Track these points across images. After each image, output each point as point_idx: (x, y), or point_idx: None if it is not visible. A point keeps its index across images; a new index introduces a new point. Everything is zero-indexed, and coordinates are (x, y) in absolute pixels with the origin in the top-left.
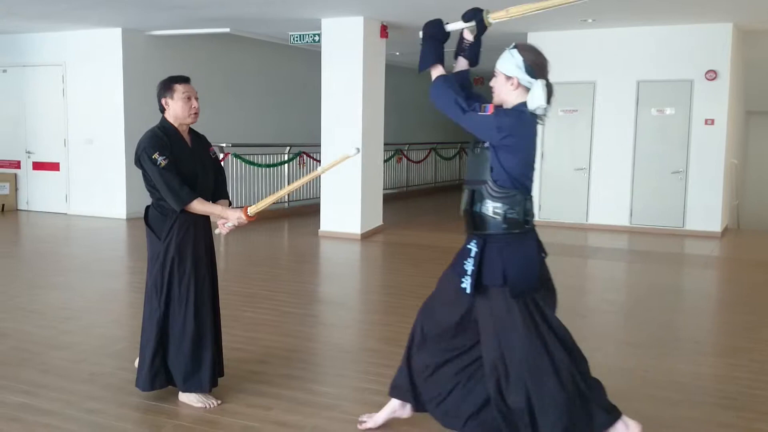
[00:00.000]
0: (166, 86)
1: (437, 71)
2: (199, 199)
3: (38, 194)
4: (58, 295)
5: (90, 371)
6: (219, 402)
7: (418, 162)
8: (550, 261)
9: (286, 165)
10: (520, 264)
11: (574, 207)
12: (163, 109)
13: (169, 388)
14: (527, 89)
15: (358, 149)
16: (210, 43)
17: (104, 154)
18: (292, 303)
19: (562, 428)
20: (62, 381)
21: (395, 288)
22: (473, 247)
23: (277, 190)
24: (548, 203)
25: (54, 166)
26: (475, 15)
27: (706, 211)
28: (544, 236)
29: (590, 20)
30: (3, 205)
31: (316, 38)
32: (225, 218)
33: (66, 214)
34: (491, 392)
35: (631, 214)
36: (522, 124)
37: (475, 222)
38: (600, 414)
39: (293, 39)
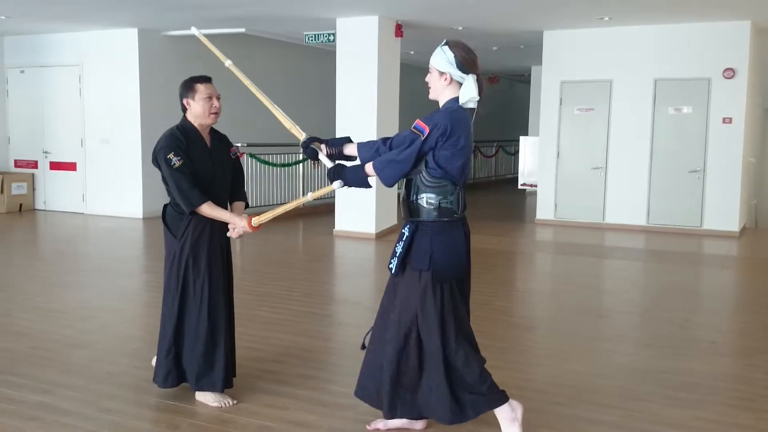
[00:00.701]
0: (188, 86)
1: (369, 169)
2: (209, 203)
3: (55, 194)
4: (76, 294)
5: (107, 370)
6: (235, 401)
7: None
8: (566, 261)
9: (300, 165)
10: (447, 251)
11: (591, 206)
12: (184, 109)
13: (186, 388)
14: (459, 84)
15: (341, 184)
16: (225, 43)
17: (121, 153)
18: (308, 302)
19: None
20: (80, 380)
21: None
22: (405, 231)
23: (293, 189)
24: (564, 203)
25: (71, 166)
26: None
27: (723, 210)
28: (560, 236)
29: (607, 18)
30: (21, 204)
31: (331, 38)
32: (234, 225)
33: (83, 213)
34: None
35: (648, 214)
36: (456, 122)
37: (411, 210)
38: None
39: (308, 39)
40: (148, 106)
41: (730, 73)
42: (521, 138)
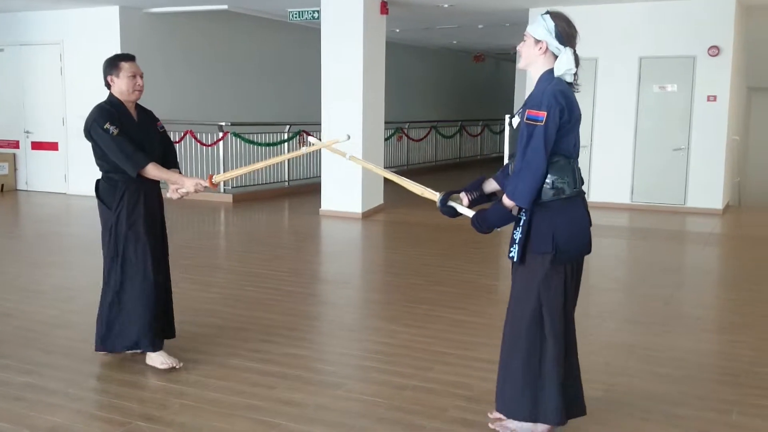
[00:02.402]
0: (112, 64)
1: (507, 202)
2: (154, 163)
3: (37, 174)
4: (60, 274)
5: (93, 350)
6: (180, 363)
7: (419, 140)
8: None
9: (285, 144)
10: (569, 229)
11: None
12: (108, 86)
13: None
14: (554, 56)
15: (349, 136)
16: (208, 21)
17: None
18: (294, 282)
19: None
20: (65, 360)
21: (396, 267)
22: (522, 216)
23: (277, 168)
24: None
25: (53, 146)
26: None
27: (707, 188)
28: None
29: None
30: (2, 185)
31: (316, 15)
32: (179, 185)
33: (65, 193)
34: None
35: (632, 192)
36: (565, 95)
37: None
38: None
39: (292, 16)
40: None
41: (714, 50)
42: (507, 117)
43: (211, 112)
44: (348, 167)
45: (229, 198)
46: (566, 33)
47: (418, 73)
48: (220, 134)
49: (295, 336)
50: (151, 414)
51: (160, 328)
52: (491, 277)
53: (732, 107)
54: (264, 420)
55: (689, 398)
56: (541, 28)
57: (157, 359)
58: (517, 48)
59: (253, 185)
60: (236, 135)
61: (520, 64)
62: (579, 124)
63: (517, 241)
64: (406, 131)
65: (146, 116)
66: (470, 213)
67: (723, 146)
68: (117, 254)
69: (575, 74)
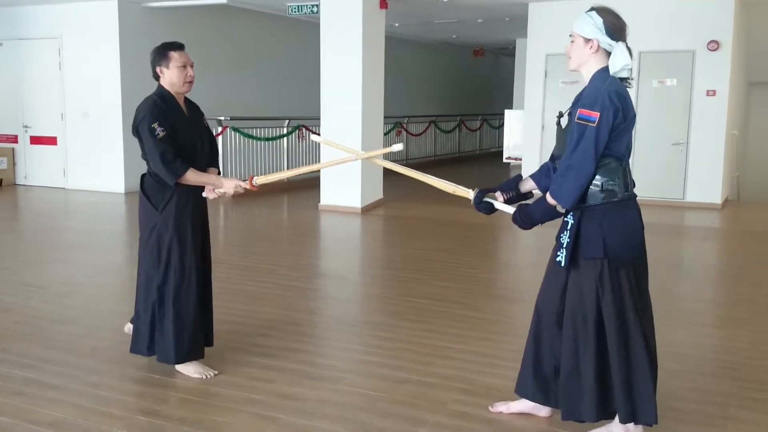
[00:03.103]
0: (162, 54)
1: (550, 200)
2: (192, 169)
3: (36, 169)
4: (60, 269)
5: (92, 345)
6: (216, 372)
7: (418, 135)
8: (550, 234)
9: (285, 138)
10: (621, 234)
11: None
12: (157, 77)
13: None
14: (607, 53)
15: (402, 146)
16: (207, 15)
17: (102, 127)
18: (294, 277)
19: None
20: (65, 355)
21: (396, 261)
22: (570, 220)
23: (277, 163)
24: None
25: (51, 140)
26: (485, 206)
27: (706, 182)
28: None
29: None
30: (1, 180)
31: (315, 9)
32: (219, 187)
33: (64, 188)
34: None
35: None
36: (621, 96)
37: None
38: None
39: (291, 10)
40: (129, 79)
41: (714, 45)
42: (506, 111)
43: (210, 107)
44: (348, 162)
45: None
46: (616, 27)
47: (416, 67)
48: (219, 129)
49: (295, 330)
50: (151, 408)
51: (196, 339)
52: (491, 271)
53: (732, 102)
54: (264, 414)
55: (688, 392)
56: (589, 26)
57: (190, 368)
58: (565, 49)
59: None
60: (235, 129)
61: (571, 66)
62: (633, 125)
63: (564, 246)
64: (405, 126)
65: (194, 111)
66: (510, 209)
67: (722, 141)
68: (160, 259)
69: (630, 69)
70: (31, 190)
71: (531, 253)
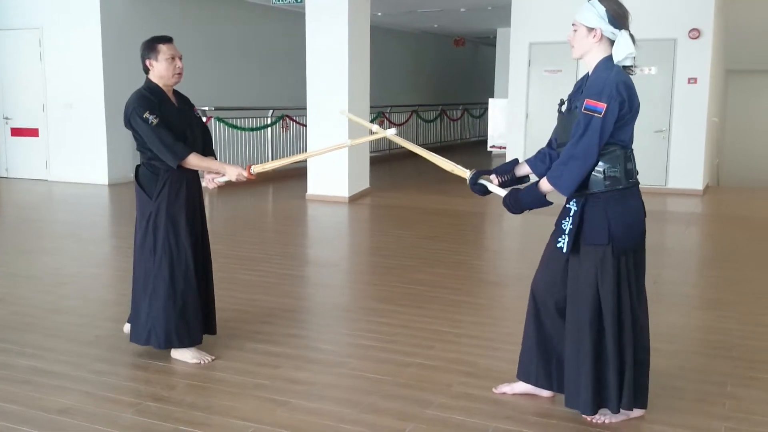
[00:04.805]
0: (150, 47)
1: (544, 185)
2: (195, 153)
3: (17, 161)
4: (49, 260)
5: (94, 334)
6: (213, 358)
7: (400, 125)
8: (536, 221)
9: (269, 128)
10: (626, 221)
11: None
12: (147, 70)
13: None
14: (610, 41)
15: (396, 131)
16: (190, 4)
17: (84, 118)
18: (287, 265)
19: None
20: (68, 344)
21: (387, 249)
22: (572, 206)
23: (261, 153)
24: None
25: (33, 132)
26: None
27: (688, 169)
28: None
29: None
30: None
31: None
32: (222, 173)
33: (46, 180)
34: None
35: None
36: (626, 85)
37: None
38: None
39: (275, 0)
40: (112, 70)
41: (695, 33)
42: (490, 100)
43: (194, 97)
44: (335, 152)
45: None
46: (619, 15)
47: (398, 57)
48: (204, 119)
49: (294, 318)
50: (160, 394)
51: (192, 325)
52: (480, 258)
53: (712, 89)
54: (273, 398)
55: (685, 371)
56: (592, 14)
57: (187, 353)
58: (567, 38)
59: None
60: (219, 120)
61: (575, 55)
62: (638, 114)
63: (567, 232)
64: (387, 116)
65: (184, 102)
66: (502, 192)
67: (703, 128)
68: (156, 246)
69: (634, 57)
70: (12, 183)
71: (517, 240)
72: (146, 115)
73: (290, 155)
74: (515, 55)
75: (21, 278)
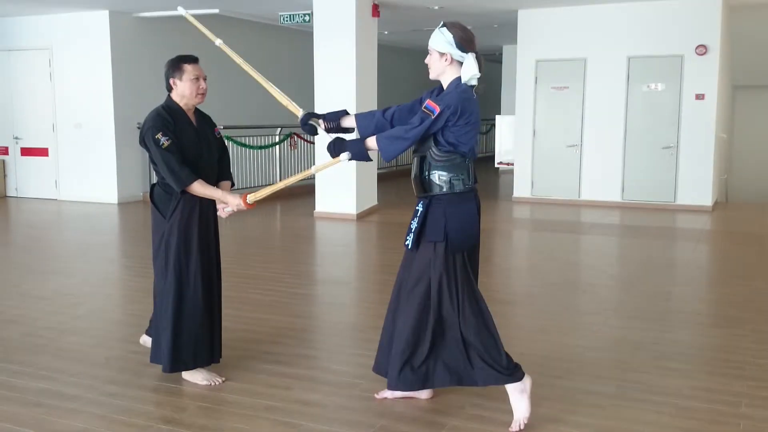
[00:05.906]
0: (176, 66)
1: (371, 143)
2: (200, 181)
3: (27, 180)
4: (61, 281)
5: (105, 355)
6: (224, 379)
7: None
8: (545, 237)
9: (277, 147)
10: (460, 221)
11: (567, 183)
12: (170, 89)
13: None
14: (460, 63)
15: (349, 156)
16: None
17: (94, 138)
18: (297, 284)
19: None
20: (79, 366)
21: (395, 267)
22: (420, 207)
23: (269, 171)
24: (541, 180)
25: (43, 152)
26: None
27: (696, 185)
28: (537, 213)
29: None
30: None
31: (307, 18)
32: (225, 203)
33: (56, 200)
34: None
35: (623, 190)
36: (466, 100)
37: (423, 186)
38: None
39: (283, 19)
40: (121, 89)
41: (702, 49)
42: (497, 117)
43: None
44: (342, 169)
45: None
46: (464, 39)
47: (404, 74)
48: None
49: (304, 337)
50: (171, 417)
51: (200, 346)
52: (487, 275)
53: (719, 105)
54: (285, 421)
55: (700, 392)
56: (441, 40)
57: (197, 375)
58: (426, 61)
59: (244, 188)
60: (228, 138)
61: (432, 76)
62: (477, 127)
63: (412, 231)
64: None
65: (205, 122)
66: (325, 135)
67: (711, 144)
68: (166, 266)
69: (478, 78)
70: (22, 203)
71: (528, 257)
72: (158, 136)
73: (297, 173)
74: (522, 72)
75: (32, 298)
